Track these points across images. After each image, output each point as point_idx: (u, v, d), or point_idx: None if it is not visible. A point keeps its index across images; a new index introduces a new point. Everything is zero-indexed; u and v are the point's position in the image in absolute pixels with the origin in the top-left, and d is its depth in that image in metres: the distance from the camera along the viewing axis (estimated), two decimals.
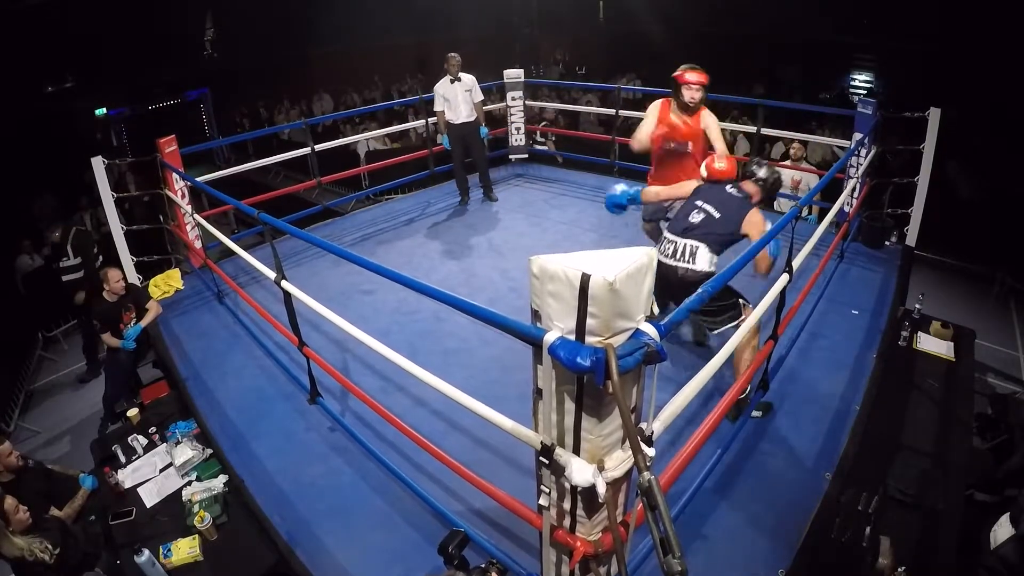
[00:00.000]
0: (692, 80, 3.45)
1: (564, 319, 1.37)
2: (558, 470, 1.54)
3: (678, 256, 2.81)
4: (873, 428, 2.85)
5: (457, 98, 5.35)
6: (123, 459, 3.14)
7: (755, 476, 2.61)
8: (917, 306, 3.81)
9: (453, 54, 5.36)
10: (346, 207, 6.96)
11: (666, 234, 2.91)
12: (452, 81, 5.33)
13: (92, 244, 5.57)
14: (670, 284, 2.80)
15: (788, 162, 5.59)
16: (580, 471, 1.45)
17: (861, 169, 4.39)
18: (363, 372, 3.39)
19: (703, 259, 2.79)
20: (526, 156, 6.71)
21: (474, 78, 5.43)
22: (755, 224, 2.81)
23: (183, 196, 4.60)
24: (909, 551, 2.26)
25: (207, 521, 2.59)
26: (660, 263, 2.79)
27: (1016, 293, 6.25)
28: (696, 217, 2.85)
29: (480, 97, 5.51)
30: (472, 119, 5.45)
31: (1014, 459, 3.48)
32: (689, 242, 2.80)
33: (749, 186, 2.97)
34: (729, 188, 2.96)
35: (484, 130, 5.59)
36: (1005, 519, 2.64)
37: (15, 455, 3.01)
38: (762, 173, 2.97)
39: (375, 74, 13.65)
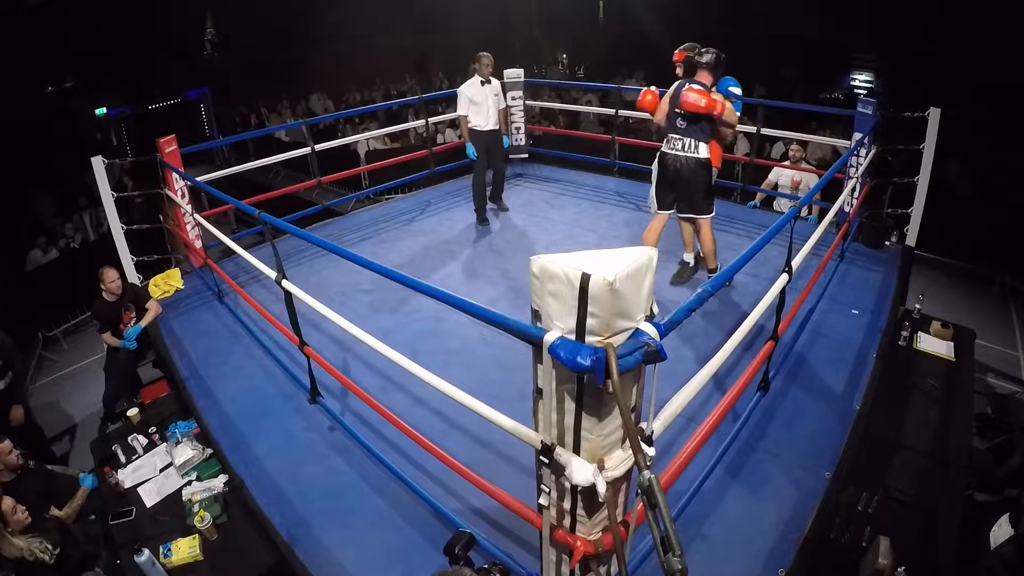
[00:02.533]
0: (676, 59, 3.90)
1: (564, 319, 1.37)
2: (558, 469, 1.54)
3: (687, 148, 3.66)
4: (873, 428, 2.86)
5: (487, 102, 4.98)
6: (123, 459, 3.14)
7: (755, 476, 2.61)
8: (917, 306, 3.82)
9: (485, 53, 4.99)
10: (346, 207, 6.97)
11: (671, 135, 3.72)
12: (483, 83, 4.95)
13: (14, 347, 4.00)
14: (679, 172, 3.71)
15: (787, 162, 5.59)
16: (580, 470, 1.45)
17: (861, 169, 4.40)
18: (363, 372, 3.39)
19: (703, 149, 3.66)
20: (526, 156, 6.71)
21: (499, 83, 5.15)
22: (722, 109, 3.54)
23: (183, 196, 4.61)
24: (909, 551, 2.26)
25: (207, 521, 2.59)
26: (671, 155, 3.71)
27: (1016, 293, 6.26)
28: (682, 124, 3.66)
29: (504, 103, 5.21)
30: (498, 127, 5.12)
31: (1014, 459, 3.48)
32: (690, 139, 3.65)
33: (704, 76, 3.57)
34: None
35: (507, 140, 5.31)
36: (1005, 519, 2.65)
37: (15, 453, 3.01)
38: (706, 59, 3.57)
39: (375, 74, 13.66)
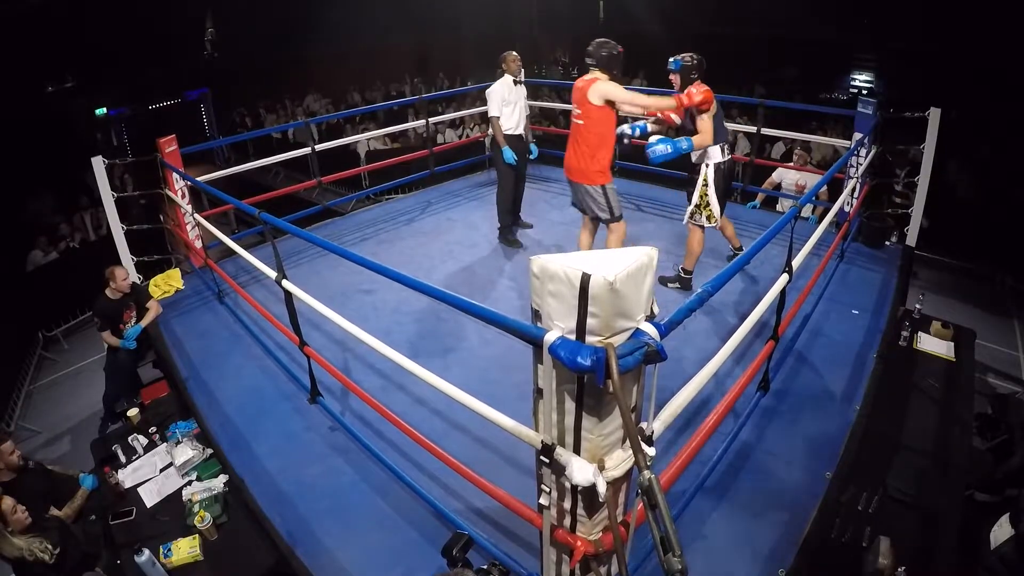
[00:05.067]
0: None
1: (564, 319, 1.37)
2: (558, 469, 1.54)
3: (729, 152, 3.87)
4: (873, 428, 2.86)
5: (519, 103, 4.59)
6: (123, 459, 3.14)
7: (755, 476, 2.61)
8: (917, 306, 3.82)
9: (512, 52, 4.65)
10: (346, 207, 6.97)
11: (724, 143, 3.80)
12: (516, 83, 4.59)
13: None
14: (735, 174, 4.08)
15: (791, 163, 5.59)
16: (580, 470, 1.45)
17: (861, 169, 4.40)
18: (363, 372, 3.39)
19: None
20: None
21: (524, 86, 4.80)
22: None
23: (183, 196, 4.60)
24: (909, 551, 2.26)
25: (207, 521, 2.58)
26: (729, 162, 3.84)
27: (1016, 293, 6.25)
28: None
29: (527, 109, 4.86)
30: (524, 134, 4.77)
31: (1014, 459, 3.48)
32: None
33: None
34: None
35: (535, 149, 5.02)
36: (1005, 519, 2.65)
37: (17, 454, 3.01)
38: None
39: (375, 74, 13.66)
